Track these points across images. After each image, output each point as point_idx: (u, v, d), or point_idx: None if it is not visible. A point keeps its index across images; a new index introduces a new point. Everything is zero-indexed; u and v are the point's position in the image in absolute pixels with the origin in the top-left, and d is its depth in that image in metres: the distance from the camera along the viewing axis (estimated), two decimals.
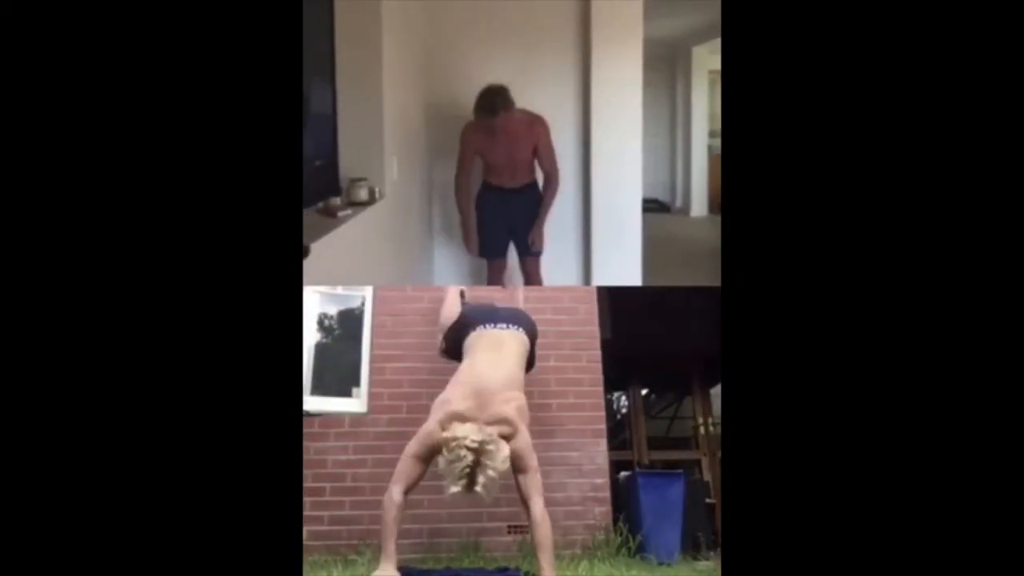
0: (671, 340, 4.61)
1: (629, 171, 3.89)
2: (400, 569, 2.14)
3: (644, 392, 5.32)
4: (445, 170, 3.64)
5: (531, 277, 3.51)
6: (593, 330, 3.27)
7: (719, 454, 4.52)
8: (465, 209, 3.48)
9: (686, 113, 7.55)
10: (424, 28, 3.67)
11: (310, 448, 2.93)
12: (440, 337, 2.76)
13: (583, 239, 3.99)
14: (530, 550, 2.67)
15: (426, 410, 2.33)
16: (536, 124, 3.35)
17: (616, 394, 5.34)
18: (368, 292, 3.23)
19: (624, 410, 5.27)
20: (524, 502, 2.19)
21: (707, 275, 5.29)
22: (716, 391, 4.98)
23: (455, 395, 2.25)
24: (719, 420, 4.74)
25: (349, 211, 2.45)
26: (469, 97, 3.17)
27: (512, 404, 2.25)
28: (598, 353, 3.23)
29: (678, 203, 7.86)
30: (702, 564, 2.95)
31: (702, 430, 4.95)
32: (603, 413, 3.15)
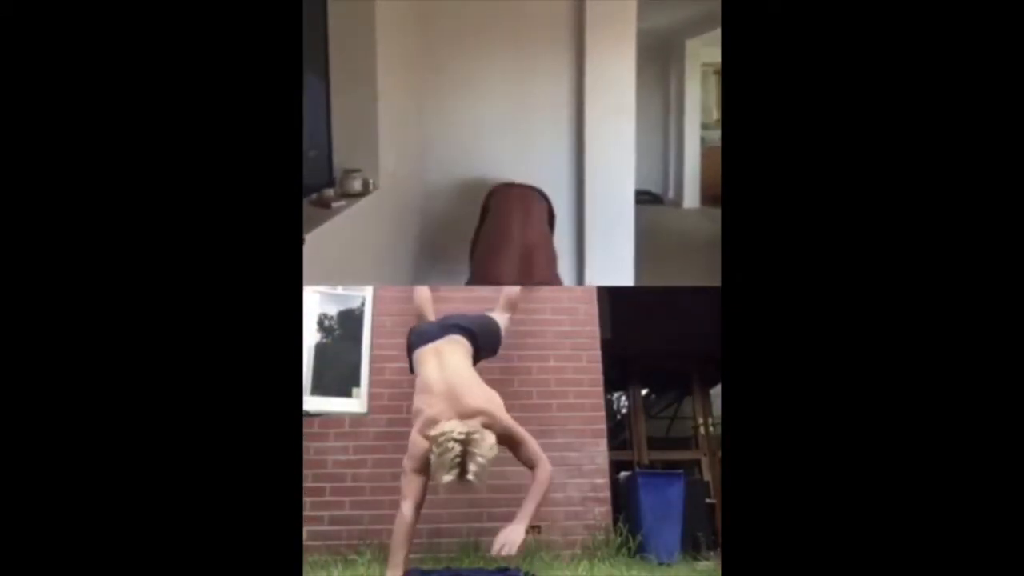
0: (671, 340, 4.61)
1: (622, 163, 3.91)
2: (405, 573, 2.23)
3: (644, 392, 5.32)
4: (439, 161, 3.64)
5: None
6: (593, 330, 3.27)
7: (719, 454, 4.52)
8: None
9: (679, 105, 7.60)
10: (418, 16, 3.65)
11: (310, 448, 2.93)
12: None
13: (576, 230, 4.00)
14: (531, 550, 2.68)
15: None
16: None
17: (616, 394, 5.34)
18: (368, 292, 3.23)
19: (624, 410, 5.26)
20: (530, 467, 2.33)
21: (700, 266, 5.34)
22: (716, 391, 4.98)
23: (423, 403, 2.38)
24: (719, 420, 4.74)
25: (343, 202, 2.46)
26: (466, 87, 3.14)
27: (479, 395, 2.37)
28: (598, 353, 3.23)
29: (670, 195, 7.91)
30: (702, 564, 2.95)
31: (702, 430, 4.95)
32: (603, 413, 3.15)
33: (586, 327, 3.27)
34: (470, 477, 2.13)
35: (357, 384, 3.11)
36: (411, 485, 2.28)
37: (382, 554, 2.55)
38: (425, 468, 2.26)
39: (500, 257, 2.96)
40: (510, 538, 2.18)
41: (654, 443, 4.96)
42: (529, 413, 3.05)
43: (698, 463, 4.79)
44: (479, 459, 2.14)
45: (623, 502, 3.21)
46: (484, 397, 2.38)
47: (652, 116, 7.68)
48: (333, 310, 3.24)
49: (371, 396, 3.08)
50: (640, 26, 3.85)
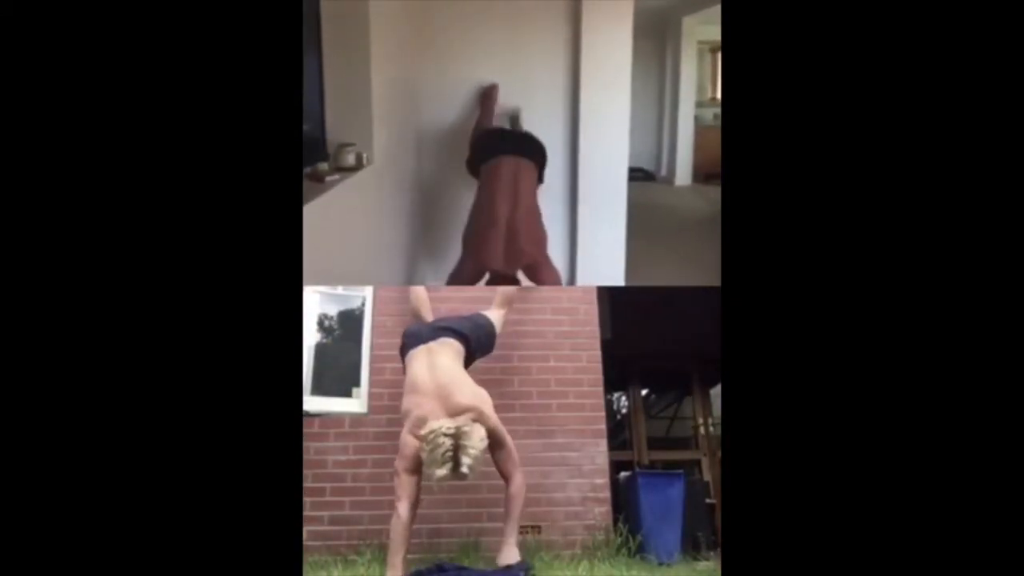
0: (671, 340, 4.61)
1: (616, 140, 3.89)
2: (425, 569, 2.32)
3: (644, 392, 5.32)
4: (434, 136, 3.63)
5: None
6: (593, 330, 3.27)
7: (719, 454, 4.52)
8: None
9: (674, 83, 7.61)
10: None
11: (310, 448, 2.93)
12: None
13: (569, 206, 3.99)
14: (531, 550, 2.68)
15: None
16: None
17: (616, 394, 5.34)
18: (368, 292, 3.23)
19: (624, 410, 5.26)
20: (504, 477, 2.39)
21: (690, 242, 5.33)
22: (716, 391, 4.98)
23: (413, 403, 2.40)
24: (719, 420, 4.74)
25: (337, 176, 2.45)
26: (460, 60, 3.10)
27: (468, 393, 2.39)
28: (598, 353, 3.23)
29: (663, 172, 7.91)
30: (702, 564, 2.95)
31: (702, 430, 4.95)
32: (603, 413, 3.15)
33: (586, 327, 3.27)
34: (464, 470, 2.15)
35: (357, 384, 3.11)
36: (405, 485, 2.29)
37: (382, 554, 2.55)
38: (417, 467, 2.28)
39: (487, 239, 2.97)
40: (508, 560, 2.30)
41: (654, 443, 4.96)
42: (529, 413, 3.06)
43: (698, 463, 4.79)
44: (471, 451, 2.16)
45: (623, 502, 3.21)
46: (473, 395, 2.40)
47: (647, 93, 7.69)
48: (333, 310, 3.23)
49: (371, 396, 3.08)
50: (637, 3, 3.83)
